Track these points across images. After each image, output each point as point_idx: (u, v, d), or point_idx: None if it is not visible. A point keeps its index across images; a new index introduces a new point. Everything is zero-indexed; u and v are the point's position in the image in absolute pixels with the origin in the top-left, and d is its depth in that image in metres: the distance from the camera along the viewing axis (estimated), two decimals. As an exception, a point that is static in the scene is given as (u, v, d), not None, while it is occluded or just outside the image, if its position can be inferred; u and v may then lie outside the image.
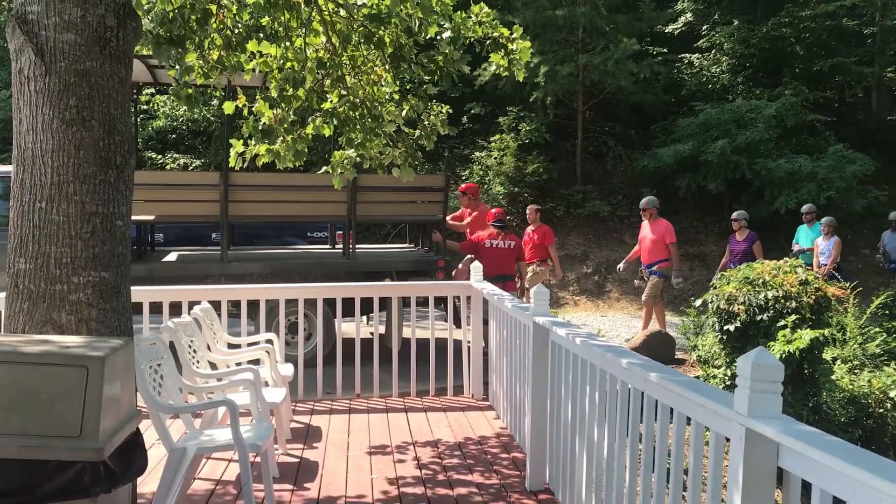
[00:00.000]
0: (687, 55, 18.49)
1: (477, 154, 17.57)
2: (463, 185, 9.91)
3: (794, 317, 6.87)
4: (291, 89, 5.20)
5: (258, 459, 4.55)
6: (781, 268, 7.54)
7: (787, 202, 14.61)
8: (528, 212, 10.59)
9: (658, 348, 8.96)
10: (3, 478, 2.30)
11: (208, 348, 5.36)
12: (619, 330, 11.61)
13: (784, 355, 6.62)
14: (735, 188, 16.01)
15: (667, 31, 18.94)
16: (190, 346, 4.90)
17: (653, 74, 17.14)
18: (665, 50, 18.14)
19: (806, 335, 6.65)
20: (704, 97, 17.62)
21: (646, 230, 10.15)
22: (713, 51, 18.42)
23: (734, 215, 10.90)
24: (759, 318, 7.04)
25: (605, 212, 16.75)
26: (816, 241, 11.33)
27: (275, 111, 5.28)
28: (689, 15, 19.40)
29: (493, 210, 9.03)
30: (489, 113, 18.37)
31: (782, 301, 7.00)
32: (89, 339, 2.76)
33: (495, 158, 17.17)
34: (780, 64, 18.33)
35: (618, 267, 11.04)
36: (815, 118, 16.59)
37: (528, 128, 17.35)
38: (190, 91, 4.87)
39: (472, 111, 18.18)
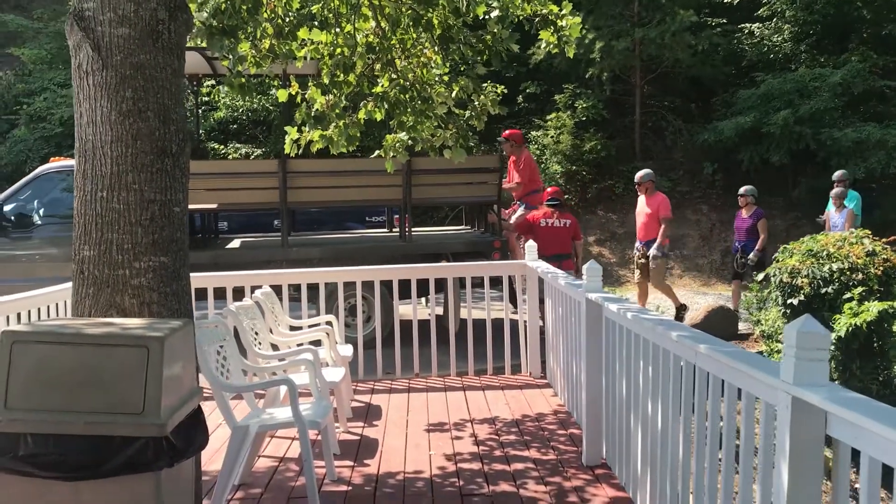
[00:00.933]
0: (747, 25, 17.95)
1: (533, 133, 17.45)
2: (507, 132, 9.59)
3: (860, 289, 6.69)
4: (342, 75, 5.27)
5: (320, 437, 4.66)
6: (847, 239, 7.35)
7: (854, 172, 14.12)
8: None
9: (720, 324, 8.84)
10: (71, 453, 2.43)
11: (270, 331, 5.50)
12: (681, 307, 11.43)
13: (851, 328, 6.47)
14: (799, 159, 15.56)
15: (725, 0, 18.44)
16: (252, 329, 5.04)
17: (712, 46, 16.72)
18: (724, 20, 17.62)
19: (874, 307, 6.49)
20: (766, 67, 17.10)
21: (641, 205, 9.78)
22: (774, 19, 17.83)
23: (741, 190, 10.34)
24: (823, 291, 6.88)
25: (666, 188, 16.40)
26: (828, 214, 10.61)
27: (327, 97, 5.34)
28: (748, -17, 18.84)
29: (549, 189, 8.98)
30: (544, 91, 18.19)
31: (847, 273, 6.83)
32: (150, 321, 2.88)
33: (552, 137, 17.02)
34: (845, 29, 17.65)
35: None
36: (885, 84, 15.97)
37: (584, 105, 17.14)
38: (242, 80, 4.98)
39: (528, 90, 18.02)
